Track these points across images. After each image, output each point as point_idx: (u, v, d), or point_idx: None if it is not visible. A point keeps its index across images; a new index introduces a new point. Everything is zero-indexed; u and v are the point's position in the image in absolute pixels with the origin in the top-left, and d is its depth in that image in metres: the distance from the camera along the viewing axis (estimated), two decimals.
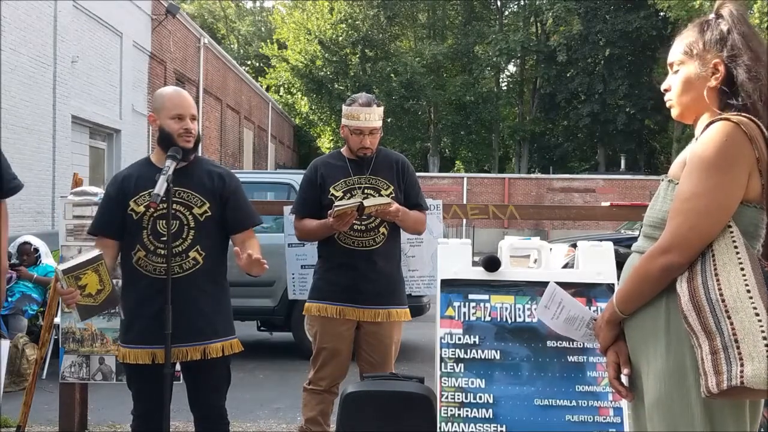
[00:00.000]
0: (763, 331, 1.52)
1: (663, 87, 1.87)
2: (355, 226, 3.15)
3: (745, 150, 1.64)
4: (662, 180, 1.83)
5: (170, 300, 2.57)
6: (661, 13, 25.68)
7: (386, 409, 2.80)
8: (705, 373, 1.58)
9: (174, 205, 2.68)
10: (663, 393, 1.69)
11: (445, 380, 2.83)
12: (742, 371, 1.52)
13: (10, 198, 2.71)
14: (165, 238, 2.65)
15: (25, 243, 6.39)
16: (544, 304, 2.03)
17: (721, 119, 1.67)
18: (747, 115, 1.67)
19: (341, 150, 3.37)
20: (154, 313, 2.62)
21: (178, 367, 2.91)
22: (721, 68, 1.73)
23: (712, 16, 1.81)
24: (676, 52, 1.84)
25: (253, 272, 2.62)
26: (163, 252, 2.65)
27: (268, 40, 37.10)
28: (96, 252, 2.57)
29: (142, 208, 2.71)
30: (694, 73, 1.78)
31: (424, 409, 2.80)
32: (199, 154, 2.89)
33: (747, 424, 1.66)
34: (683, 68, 1.81)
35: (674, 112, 1.86)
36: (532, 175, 27.28)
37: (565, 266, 3.39)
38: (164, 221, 2.66)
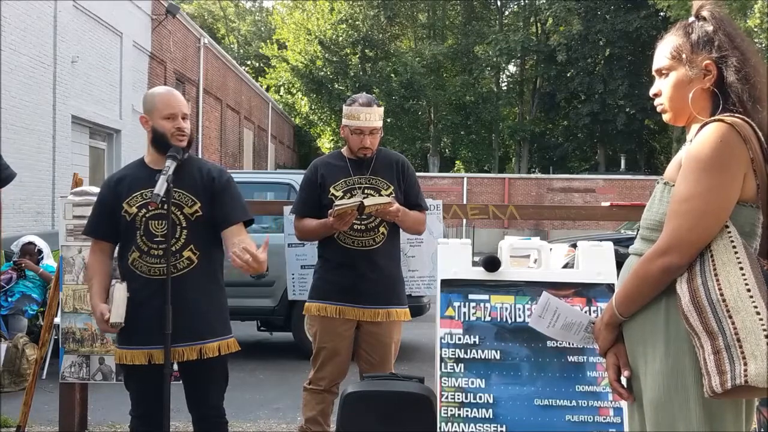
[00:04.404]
0: (764, 330, 1.53)
1: (652, 92, 1.86)
2: (355, 226, 3.15)
3: (740, 151, 1.64)
4: (657, 182, 1.82)
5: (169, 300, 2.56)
6: (661, 13, 25.65)
7: (386, 409, 2.80)
8: (708, 374, 1.58)
9: (165, 205, 2.67)
10: (661, 393, 1.69)
11: (445, 380, 2.83)
12: (745, 370, 1.53)
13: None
14: (158, 239, 2.64)
15: (29, 243, 6.39)
16: (538, 314, 1.98)
17: (714, 120, 1.67)
18: (741, 116, 1.67)
19: (341, 150, 3.37)
20: (150, 314, 2.61)
21: (175, 367, 2.91)
22: (713, 69, 1.73)
23: (692, 18, 1.80)
24: (661, 57, 1.82)
25: (251, 271, 2.56)
26: (156, 252, 2.65)
27: (268, 41, 37.10)
28: (122, 288, 2.62)
29: (134, 209, 2.69)
30: (686, 76, 1.76)
31: (424, 409, 2.80)
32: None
33: (743, 423, 1.67)
34: (673, 73, 1.79)
35: (667, 117, 1.85)
36: (532, 175, 27.27)
37: (565, 266, 3.39)
38: (157, 222, 2.66)
